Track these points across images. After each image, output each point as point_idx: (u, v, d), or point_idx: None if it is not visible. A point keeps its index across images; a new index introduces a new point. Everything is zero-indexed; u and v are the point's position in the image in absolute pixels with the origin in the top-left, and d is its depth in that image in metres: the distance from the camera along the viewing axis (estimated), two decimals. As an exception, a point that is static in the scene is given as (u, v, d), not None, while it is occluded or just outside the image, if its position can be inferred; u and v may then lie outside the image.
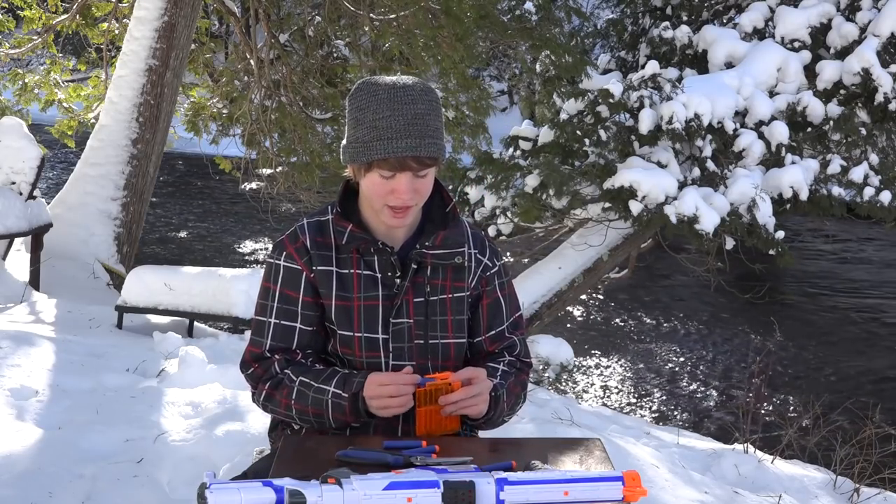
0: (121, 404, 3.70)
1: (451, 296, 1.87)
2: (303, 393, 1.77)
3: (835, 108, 7.97)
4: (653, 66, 7.81)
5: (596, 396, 8.63)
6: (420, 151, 1.69)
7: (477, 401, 1.73)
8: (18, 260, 7.05)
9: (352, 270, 1.81)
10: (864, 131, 7.94)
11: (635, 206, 7.15)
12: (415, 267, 1.83)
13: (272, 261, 1.85)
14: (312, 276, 1.81)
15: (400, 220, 1.78)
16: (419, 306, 1.83)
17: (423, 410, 1.72)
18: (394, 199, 1.74)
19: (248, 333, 5.88)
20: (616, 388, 8.94)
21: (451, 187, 8.55)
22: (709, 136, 7.59)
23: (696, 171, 7.68)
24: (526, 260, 8.85)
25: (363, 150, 1.71)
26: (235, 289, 5.77)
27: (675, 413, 8.36)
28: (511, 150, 8.47)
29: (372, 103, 1.71)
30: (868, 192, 7.77)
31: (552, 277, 7.90)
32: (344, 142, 1.79)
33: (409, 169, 1.71)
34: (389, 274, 1.81)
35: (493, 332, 1.94)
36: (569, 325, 10.46)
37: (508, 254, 8.97)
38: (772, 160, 7.77)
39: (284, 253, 1.83)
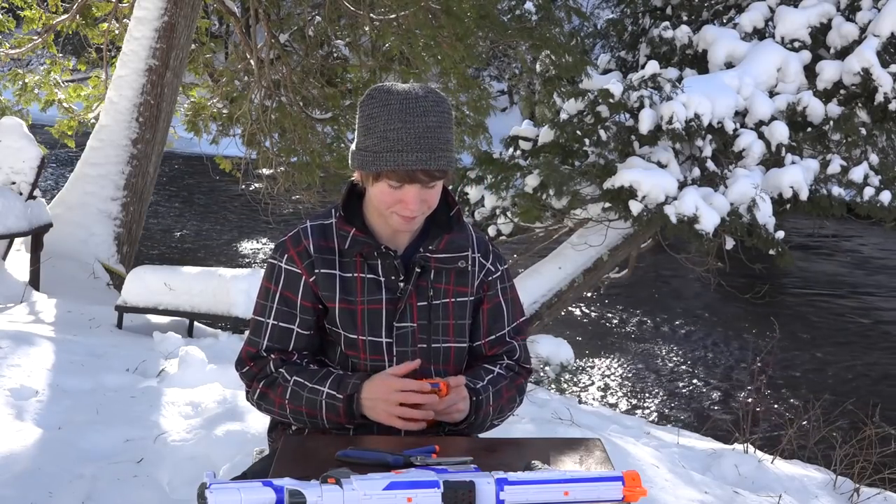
0: (121, 404, 3.70)
1: (453, 300, 1.86)
2: (297, 393, 1.77)
3: (835, 108, 7.96)
4: (653, 66, 7.81)
5: (596, 396, 8.62)
6: (430, 165, 1.69)
7: (450, 410, 1.75)
8: (18, 260, 7.05)
9: (355, 274, 1.81)
10: (864, 131, 7.93)
11: (635, 206, 7.14)
12: (418, 271, 1.82)
13: (274, 262, 1.85)
14: (313, 280, 1.81)
15: (409, 226, 1.79)
16: (422, 310, 1.83)
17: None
18: (402, 209, 1.74)
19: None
20: (616, 388, 8.93)
21: (451, 188, 8.53)
22: (709, 136, 7.59)
23: (696, 171, 7.67)
24: (517, 259, 8.85)
25: (372, 160, 1.71)
26: (235, 289, 5.77)
27: (675, 413, 8.35)
28: (511, 150, 8.46)
29: (383, 113, 1.69)
30: (868, 192, 7.76)
31: (552, 277, 7.90)
32: (353, 147, 1.78)
33: (418, 181, 1.71)
34: (393, 278, 1.81)
35: (493, 336, 1.93)
36: (569, 325, 10.45)
37: (514, 255, 8.95)
38: (772, 160, 7.76)
39: (286, 255, 1.83)
